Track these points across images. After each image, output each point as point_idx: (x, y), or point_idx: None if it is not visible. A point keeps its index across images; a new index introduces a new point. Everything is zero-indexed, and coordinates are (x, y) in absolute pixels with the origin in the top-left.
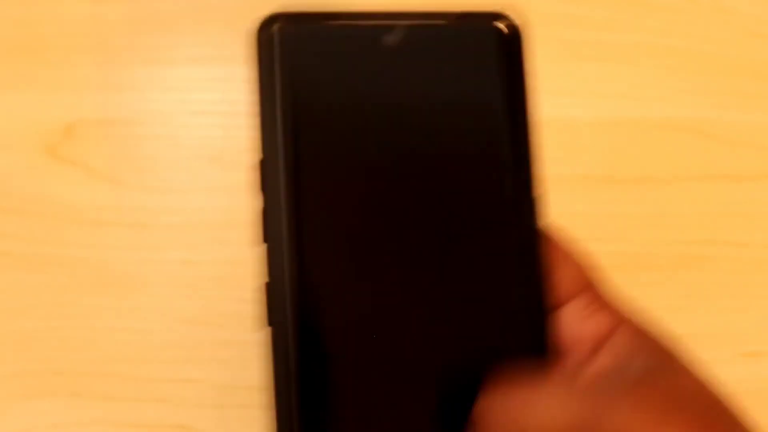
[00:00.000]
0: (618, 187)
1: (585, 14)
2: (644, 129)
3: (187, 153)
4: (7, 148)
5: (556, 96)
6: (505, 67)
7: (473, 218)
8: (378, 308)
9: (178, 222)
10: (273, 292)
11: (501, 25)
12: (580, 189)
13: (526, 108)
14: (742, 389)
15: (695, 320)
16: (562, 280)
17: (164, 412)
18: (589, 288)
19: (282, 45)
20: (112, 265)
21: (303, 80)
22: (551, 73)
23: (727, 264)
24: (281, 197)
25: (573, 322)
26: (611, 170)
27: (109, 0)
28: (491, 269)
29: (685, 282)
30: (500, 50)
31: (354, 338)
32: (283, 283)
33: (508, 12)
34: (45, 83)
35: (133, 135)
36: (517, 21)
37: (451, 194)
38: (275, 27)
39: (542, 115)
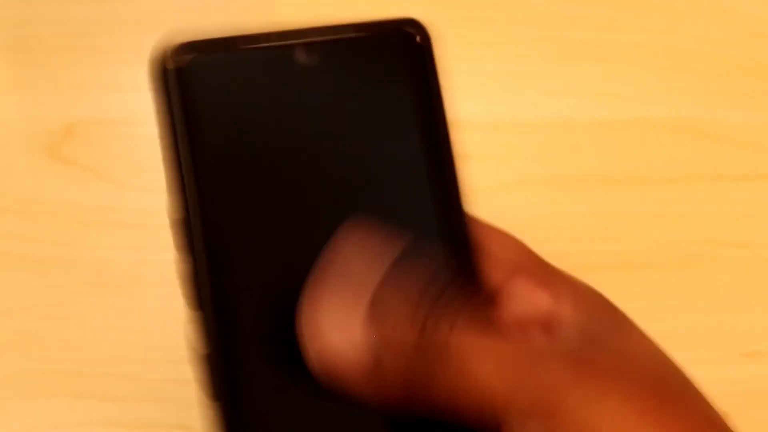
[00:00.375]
0: (618, 187)
1: (585, 14)
2: (644, 129)
3: None
4: (7, 148)
5: (556, 96)
6: (417, 73)
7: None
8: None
9: None
10: (215, 365)
11: (410, 32)
12: (580, 189)
13: (442, 110)
14: (742, 389)
15: (695, 320)
16: (493, 263)
17: (164, 412)
18: (524, 266)
19: (190, 77)
20: (112, 265)
21: (216, 112)
22: (551, 73)
23: (727, 264)
24: (206, 257)
25: (512, 304)
26: (611, 170)
27: (109, 0)
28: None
29: (685, 282)
30: (411, 56)
31: (301, 402)
32: (225, 354)
33: (416, 18)
34: (45, 83)
35: (132, 135)
36: (426, 26)
37: (376, 213)
38: (180, 58)
39: (542, 116)
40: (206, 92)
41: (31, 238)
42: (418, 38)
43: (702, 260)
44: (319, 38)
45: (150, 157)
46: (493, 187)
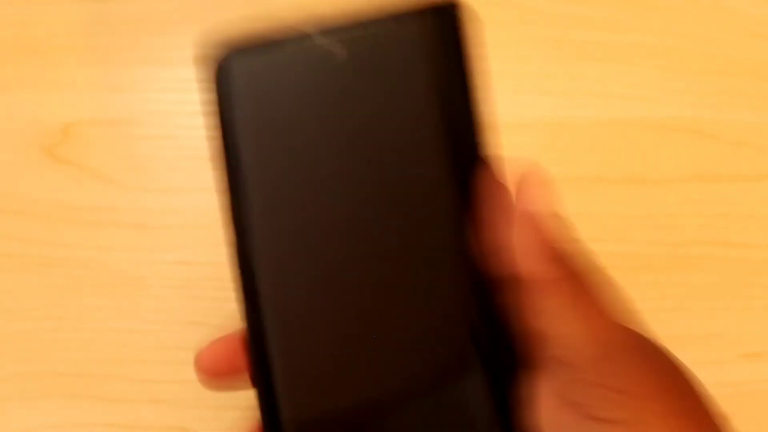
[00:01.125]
0: (618, 188)
1: (585, 14)
2: (644, 129)
3: (185, 153)
4: (5, 149)
5: (556, 96)
6: (443, 55)
7: (431, 233)
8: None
9: (176, 222)
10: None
11: (435, 14)
12: (581, 189)
13: (474, 93)
14: (743, 390)
15: (695, 321)
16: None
17: (162, 414)
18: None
19: (238, 78)
20: (111, 265)
21: (263, 108)
22: (551, 73)
23: (727, 264)
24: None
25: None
26: (611, 170)
27: (109, 0)
28: (444, 286)
29: (685, 282)
30: (438, 37)
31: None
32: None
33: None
34: (44, 83)
35: (131, 135)
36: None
37: (412, 214)
38: (229, 60)
39: (543, 116)
40: (260, 86)
41: (30, 238)
42: (441, 17)
43: (702, 260)
44: (352, 33)
45: (148, 157)
46: None
